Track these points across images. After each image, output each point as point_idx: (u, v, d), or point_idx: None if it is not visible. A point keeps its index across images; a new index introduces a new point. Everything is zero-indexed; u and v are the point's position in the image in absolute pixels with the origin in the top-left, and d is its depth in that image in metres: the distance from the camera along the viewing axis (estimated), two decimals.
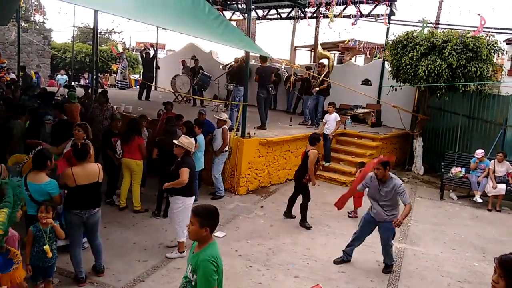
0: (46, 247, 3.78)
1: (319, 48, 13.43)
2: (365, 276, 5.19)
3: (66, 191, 4.38)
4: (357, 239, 5.48)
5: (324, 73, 10.60)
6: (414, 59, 9.45)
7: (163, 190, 5.91)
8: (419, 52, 9.34)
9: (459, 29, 9.89)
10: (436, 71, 9.11)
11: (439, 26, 13.02)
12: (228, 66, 12.35)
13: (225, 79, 12.18)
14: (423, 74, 9.26)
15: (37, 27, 23.48)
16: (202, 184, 7.98)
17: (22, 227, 4.03)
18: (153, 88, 14.69)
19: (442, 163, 9.41)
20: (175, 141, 5.28)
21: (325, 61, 11.62)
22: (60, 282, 4.48)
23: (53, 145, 6.13)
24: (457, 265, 5.70)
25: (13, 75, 17.06)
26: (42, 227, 3.82)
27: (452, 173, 8.98)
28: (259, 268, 5.18)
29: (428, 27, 9.64)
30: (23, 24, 20.26)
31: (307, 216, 6.70)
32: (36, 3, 22.32)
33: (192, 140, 6.96)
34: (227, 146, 7.67)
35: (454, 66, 8.96)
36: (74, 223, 4.35)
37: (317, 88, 10.28)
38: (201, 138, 7.20)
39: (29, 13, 23.11)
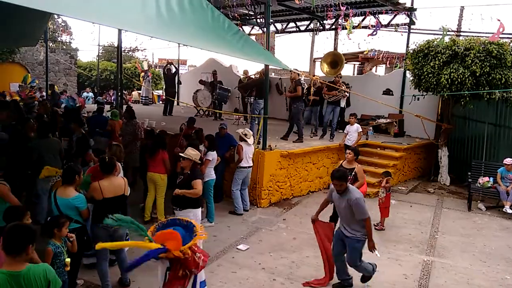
0: (68, 260, 3.81)
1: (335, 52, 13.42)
2: None
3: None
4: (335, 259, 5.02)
5: (340, 84, 10.57)
6: (436, 68, 9.33)
7: None
8: (441, 60, 9.22)
9: (482, 36, 9.73)
10: (459, 79, 8.96)
11: (461, 33, 12.84)
12: (247, 78, 12.51)
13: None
14: (446, 82, 9.12)
15: (64, 46, 24.34)
16: (224, 198, 8.02)
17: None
18: (175, 103, 14.96)
19: (469, 173, 9.17)
20: (181, 154, 5.33)
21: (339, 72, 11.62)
22: None
23: (76, 158, 6.38)
24: (488, 278, 5.51)
25: (38, 94, 17.72)
26: (57, 242, 3.83)
27: (479, 183, 8.73)
28: (282, 281, 5.15)
29: (448, 35, 9.53)
30: (50, 44, 21.02)
31: None
32: (63, 24, 23.19)
33: (212, 152, 7.06)
34: (245, 162, 7.49)
35: (477, 74, 8.79)
36: (100, 236, 4.45)
37: (289, 95, 10.08)
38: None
39: (56, 34, 24.04)
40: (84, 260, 4.95)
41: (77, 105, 14.39)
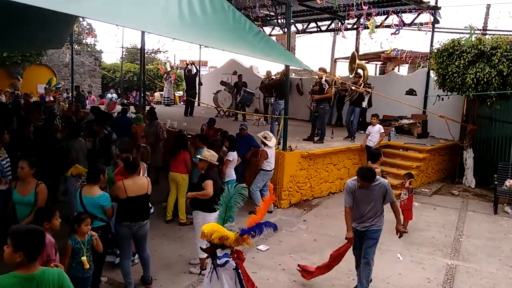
0: (84, 258, 3.88)
1: (356, 58, 13.28)
2: None
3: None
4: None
5: (360, 83, 10.48)
6: (461, 67, 9.12)
7: None
8: (466, 60, 9.01)
9: (509, 35, 9.45)
10: (485, 79, 8.73)
11: (487, 32, 12.51)
12: (268, 79, 12.52)
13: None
14: (471, 82, 8.90)
15: (89, 49, 24.95)
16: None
17: (60, 236, 4.16)
18: (196, 104, 15.11)
19: (495, 175, 8.91)
20: (198, 156, 5.34)
21: (360, 71, 11.48)
22: None
23: (100, 158, 6.55)
24: None
25: (65, 95, 18.22)
26: (80, 239, 3.93)
27: (506, 186, 8.48)
28: (303, 283, 5.13)
29: (475, 33, 9.29)
30: (76, 46, 21.58)
31: None
32: (88, 27, 23.73)
33: (232, 153, 7.10)
34: (269, 166, 7.49)
35: (504, 73, 8.55)
36: (124, 234, 4.55)
37: (317, 96, 9.81)
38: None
39: (82, 36, 24.62)
40: (110, 258, 5.07)
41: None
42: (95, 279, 4.51)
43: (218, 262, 3.59)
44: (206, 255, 4.93)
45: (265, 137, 7.44)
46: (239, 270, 3.64)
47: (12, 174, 5.33)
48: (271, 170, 7.53)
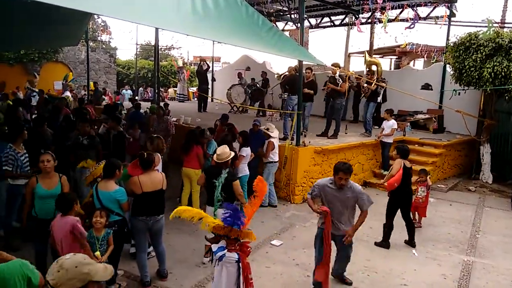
0: (97, 253, 3.97)
1: (366, 55, 13.18)
2: None
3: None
4: None
5: (374, 80, 10.38)
6: (478, 61, 8.96)
7: None
8: (484, 53, 8.85)
9: None
10: (503, 73, 8.57)
11: (505, 25, 12.23)
12: (282, 76, 12.50)
13: (280, 89, 12.34)
14: (488, 76, 8.74)
15: (104, 46, 25.20)
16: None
17: None
18: (209, 99, 15.18)
19: None
20: (214, 159, 5.33)
21: (373, 67, 11.39)
22: (127, 285, 4.76)
23: (114, 155, 6.61)
24: None
25: (83, 92, 18.48)
26: (95, 233, 4.04)
27: None
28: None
29: (493, 27, 9.10)
30: (91, 43, 21.82)
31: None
32: (103, 24, 23.96)
33: (245, 148, 7.12)
34: (273, 157, 7.56)
35: None
36: (140, 229, 4.62)
37: (330, 86, 9.65)
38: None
39: (97, 33, 24.88)
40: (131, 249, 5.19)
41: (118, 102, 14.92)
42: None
43: (215, 256, 3.54)
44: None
45: (267, 129, 7.53)
46: (240, 264, 3.57)
47: (30, 169, 5.46)
48: (277, 161, 7.67)
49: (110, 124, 8.10)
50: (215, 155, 5.27)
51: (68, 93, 16.78)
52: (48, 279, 1.84)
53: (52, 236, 3.89)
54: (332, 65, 10.27)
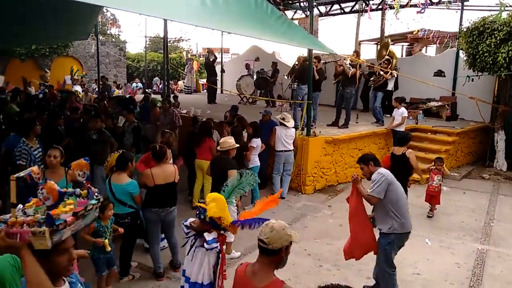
0: (106, 241, 4.06)
1: (389, 43, 12.95)
2: (443, 279, 4.92)
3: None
4: None
5: (389, 69, 10.24)
6: (493, 46, 8.75)
7: None
8: (498, 38, 8.64)
9: None
10: None
11: None
12: (289, 72, 12.42)
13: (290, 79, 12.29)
14: (503, 61, 8.55)
15: (113, 39, 25.31)
16: (269, 184, 8.05)
17: None
18: (219, 91, 15.16)
19: None
20: (217, 148, 5.32)
21: (389, 57, 11.22)
22: (141, 276, 4.82)
23: (132, 147, 6.72)
24: None
25: (94, 85, 18.63)
26: (103, 223, 4.10)
27: None
28: (329, 268, 5.15)
29: (507, 10, 8.87)
30: (101, 37, 21.95)
31: None
32: (112, 17, 24.07)
33: (256, 139, 7.11)
34: (280, 146, 7.47)
35: None
36: (152, 220, 4.67)
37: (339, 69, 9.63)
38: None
39: (106, 27, 25.00)
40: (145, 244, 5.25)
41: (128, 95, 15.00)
42: (126, 264, 4.68)
43: (206, 246, 3.42)
44: (232, 239, 5.03)
45: (283, 118, 7.50)
46: (220, 254, 3.54)
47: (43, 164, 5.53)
48: (283, 151, 7.48)
49: (126, 116, 8.16)
50: (218, 146, 5.32)
51: (78, 87, 16.93)
52: (261, 238, 2.32)
53: None
54: (354, 52, 10.22)
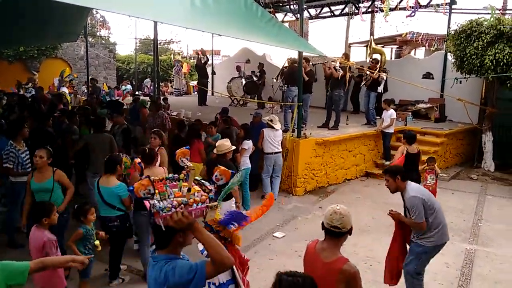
0: (97, 242, 4.07)
1: (372, 43, 13.07)
2: (432, 279, 4.96)
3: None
4: None
5: (376, 69, 10.31)
6: (480, 49, 8.88)
7: None
8: (485, 41, 8.77)
9: None
10: (505, 60, 8.50)
11: (507, 11, 12.12)
12: (278, 75, 12.46)
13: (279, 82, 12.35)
14: (490, 64, 8.67)
15: (103, 41, 25.10)
16: (259, 186, 8.04)
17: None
18: (209, 93, 15.13)
19: None
20: (214, 152, 5.31)
21: (377, 57, 11.31)
22: (130, 279, 4.78)
23: (122, 149, 6.66)
24: None
25: (84, 88, 18.45)
26: (88, 226, 4.09)
27: None
28: None
29: (495, 13, 9.01)
30: (90, 39, 21.71)
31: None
32: (101, 19, 23.83)
33: (247, 141, 7.11)
34: (268, 148, 7.47)
35: None
36: (142, 223, 4.64)
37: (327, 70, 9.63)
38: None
39: (95, 29, 24.75)
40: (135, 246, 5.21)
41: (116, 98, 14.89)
42: (115, 267, 4.64)
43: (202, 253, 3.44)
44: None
45: (271, 120, 7.50)
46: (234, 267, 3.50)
47: (31, 167, 5.47)
48: (272, 153, 7.48)
49: (115, 119, 8.10)
50: (215, 149, 5.30)
51: (64, 89, 16.74)
52: (335, 224, 2.63)
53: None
54: (342, 55, 10.28)
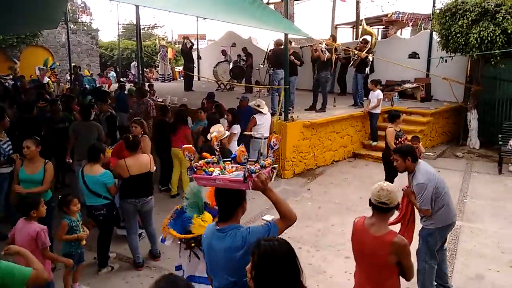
0: (82, 234, 4.05)
1: (363, 23, 12.99)
2: None
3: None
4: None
5: (366, 50, 10.25)
6: (465, 27, 8.89)
7: None
8: (470, 19, 8.77)
9: None
10: (489, 38, 8.53)
11: None
12: (264, 59, 12.34)
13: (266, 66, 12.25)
14: (475, 42, 8.70)
15: (85, 27, 24.55)
16: None
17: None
18: (196, 78, 14.96)
19: (500, 135, 8.86)
20: (208, 138, 5.23)
21: (368, 38, 11.24)
22: (120, 267, 4.77)
23: (107, 137, 6.57)
24: None
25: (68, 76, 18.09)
26: (73, 217, 4.05)
27: (510, 145, 8.43)
28: (308, 249, 5.21)
29: None
30: (71, 26, 21.21)
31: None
32: (82, 5, 23.29)
33: (236, 126, 7.06)
34: (258, 133, 7.32)
35: (509, 31, 8.34)
36: (129, 211, 4.61)
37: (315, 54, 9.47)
38: None
39: (76, 15, 24.20)
40: (118, 231, 5.17)
41: (99, 85, 14.64)
42: (104, 255, 4.62)
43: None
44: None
45: (258, 105, 7.42)
46: None
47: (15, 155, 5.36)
48: (258, 138, 7.34)
49: (100, 107, 7.98)
50: (208, 134, 5.21)
51: (46, 78, 16.40)
52: (382, 200, 2.73)
53: (11, 241, 3.56)
54: (330, 37, 10.18)
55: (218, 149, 2.77)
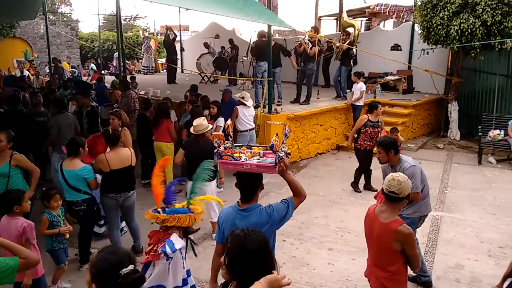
0: (63, 228, 3.99)
1: (344, 15, 12.97)
2: None
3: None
4: None
5: (347, 42, 10.27)
6: (446, 19, 8.98)
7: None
8: (451, 10, 8.86)
9: None
10: (469, 30, 8.63)
11: None
12: (247, 51, 12.27)
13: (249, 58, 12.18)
14: (455, 34, 8.80)
15: (64, 18, 23.97)
16: None
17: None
18: (179, 70, 14.78)
19: (480, 127, 9.03)
20: (191, 131, 5.17)
21: (350, 30, 11.27)
22: None
23: (89, 132, 6.44)
24: (498, 231, 5.53)
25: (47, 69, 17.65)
26: (54, 212, 3.98)
27: (490, 136, 8.61)
28: (292, 242, 5.23)
29: None
30: (50, 17, 20.65)
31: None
32: None
33: (221, 119, 7.00)
34: (242, 126, 7.33)
35: (488, 23, 8.45)
36: (111, 206, 4.53)
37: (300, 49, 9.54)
38: None
39: (55, 5, 23.55)
40: (96, 229, 5.08)
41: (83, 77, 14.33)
42: (85, 252, 4.54)
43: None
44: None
45: (242, 97, 7.37)
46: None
47: None
48: (247, 130, 7.39)
49: (81, 100, 7.81)
50: (191, 127, 5.15)
51: (26, 72, 15.99)
52: (392, 190, 2.83)
53: None
54: (312, 28, 10.12)
55: (231, 136, 2.96)
